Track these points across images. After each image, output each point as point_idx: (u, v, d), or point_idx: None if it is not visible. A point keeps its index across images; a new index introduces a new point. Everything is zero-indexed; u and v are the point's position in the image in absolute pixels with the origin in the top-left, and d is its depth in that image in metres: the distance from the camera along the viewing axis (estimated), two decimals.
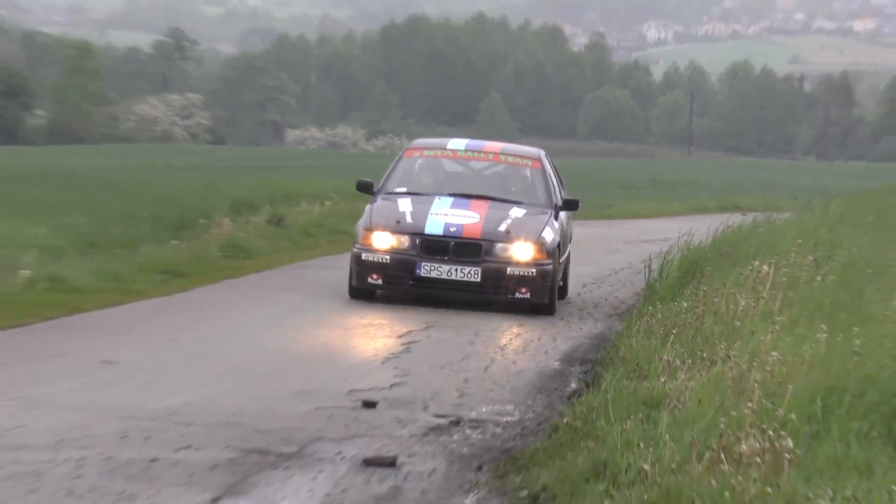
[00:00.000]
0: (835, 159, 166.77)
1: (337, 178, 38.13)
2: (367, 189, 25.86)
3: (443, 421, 17.66)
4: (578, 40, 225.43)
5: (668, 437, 13.42)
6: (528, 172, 26.85)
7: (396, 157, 27.06)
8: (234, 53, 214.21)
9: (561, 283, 26.09)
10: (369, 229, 24.26)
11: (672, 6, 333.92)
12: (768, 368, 14.69)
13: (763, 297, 19.34)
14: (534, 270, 24.15)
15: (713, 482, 12.07)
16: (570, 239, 28.14)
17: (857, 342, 15.03)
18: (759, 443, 12.55)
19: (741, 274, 22.09)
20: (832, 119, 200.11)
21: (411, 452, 16.04)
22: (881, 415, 13.11)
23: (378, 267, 23.80)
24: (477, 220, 24.43)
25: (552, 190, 26.29)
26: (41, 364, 20.43)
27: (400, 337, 22.32)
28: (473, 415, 18.18)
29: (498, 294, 24.17)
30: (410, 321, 23.28)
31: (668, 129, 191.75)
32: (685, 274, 25.61)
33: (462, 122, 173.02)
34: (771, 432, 12.70)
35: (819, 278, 20.35)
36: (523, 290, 24.04)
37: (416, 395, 18.89)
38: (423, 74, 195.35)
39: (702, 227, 32.14)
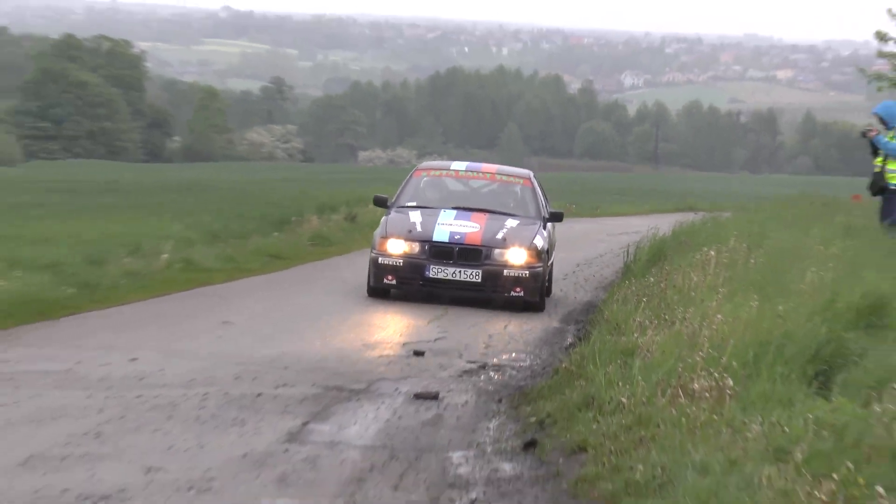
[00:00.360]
0: (763, 173, 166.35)
1: (395, 187, 37.92)
2: (382, 203, 24.87)
3: (473, 366, 17.76)
4: (574, 86, 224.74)
5: (639, 377, 13.41)
6: (518, 189, 25.35)
7: (407, 177, 26.09)
8: (320, 95, 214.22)
9: (546, 284, 24.65)
10: (385, 237, 22.97)
11: (642, 61, 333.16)
12: (714, 327, 14.66)
13: (710, 275, 19.28)
14: (527, 272, 22.73)
15: (673, 411, 12.08)
16: (554, 245, 26.08)
17: (780, 308, 14.99)
18: (708, 382, 12.56)
19: (694, 257, 22.05)
20: (761, 144, 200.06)
21: (449, 389, 16.06)
22: (798, 362, 13.07)
23: (393, 269, 22.77)
24: (477, 230, 23.14)
25: (540, 204, 25.09)
26: (177, 324, 20.48)
27: (440, 308, 22.32)
28: (495, 361, 18.24)
29: (496, 293, 22.78)
30: (444, 300, 23.12)
31: (640, 151, 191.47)
32: (652, 257, 25.46)
33: (487, 146, 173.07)
34: (716, 374, 12.69)
35: (752, 261, 20.26)
36: (518, 289, 22.65)
37: (452, 347, 18.91)
38: (459, 111, 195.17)
39: (665, 223, 32.03)
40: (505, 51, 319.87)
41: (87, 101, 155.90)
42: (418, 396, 15.47)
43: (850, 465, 9.82)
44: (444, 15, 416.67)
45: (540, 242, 23.24)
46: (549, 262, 24.62)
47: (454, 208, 24.13)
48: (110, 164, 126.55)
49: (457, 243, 22.89)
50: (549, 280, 24.95)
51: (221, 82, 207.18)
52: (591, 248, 34.33)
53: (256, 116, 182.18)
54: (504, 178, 25.93)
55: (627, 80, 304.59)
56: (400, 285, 23.03)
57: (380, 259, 22.85)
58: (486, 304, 22.73)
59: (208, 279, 25.89)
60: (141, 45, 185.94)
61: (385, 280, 22.82)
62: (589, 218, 50.53)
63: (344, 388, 15.65)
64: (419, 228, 23.10)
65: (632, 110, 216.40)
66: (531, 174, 26.41)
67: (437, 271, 22.78)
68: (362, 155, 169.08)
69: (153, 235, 29.71)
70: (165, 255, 27.03)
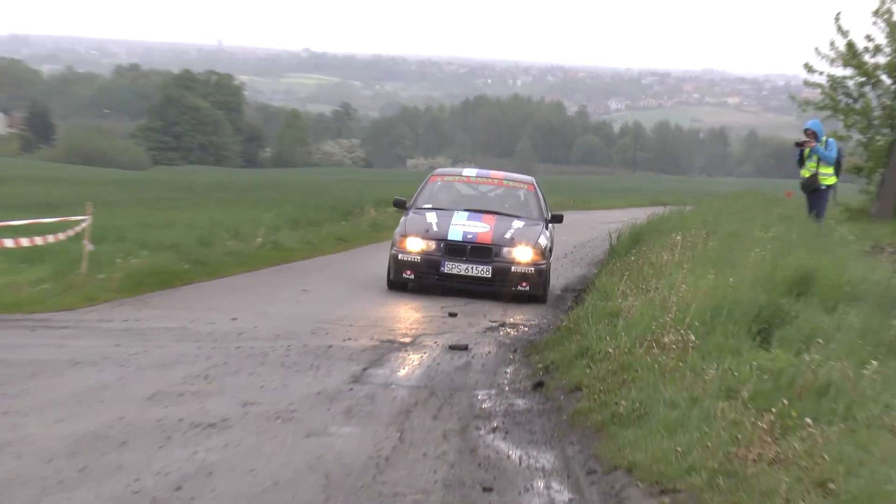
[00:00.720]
0: (716, 176, 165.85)
1: None
2: (401, 205, 22.53)
3: (494, 324, 17.69)
4: (571, 109, 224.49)
5: (622, 333, 13.34)
6: (522, 194, 22.95)
7: (424, 182, 23.64)
8: (377, 117, 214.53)
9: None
10: (404, 236, 20.66)
11: (624, 90, 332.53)
12: (680, 294, 14.60)
13: (676, 254, 19.20)
14: (532, 269, 20.37)
15: (648, 359, 12.01)
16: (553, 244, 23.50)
17: (731, 280, 14.91)
18: (675, 337, 12.50)
19: (664, 240, 21.98)
20: (715, 153, 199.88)
21: (476, 342, 16.00)
22: (744, 322, 13.03)
23: (411, 265, 20.52)
24: (488, 230, 20.84)
25: (542, 207, 22.68)
26: (267, 291, 20.44)
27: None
28: (511, 321, 18.16)
29: (504, 287, 20.30)
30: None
31: (622, 159, 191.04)
32: (632, 241, 25.33)
33: (505, 156, 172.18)
34: (682, 331, 12.63)
35: (709, 243, 20.19)
36: (524, 284, 20.34)
37: (479, 310, 18.84)
38: (483, 128, 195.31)
39: (641, 215, 31.89)
40: (518, 82, 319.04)
41: (199, 120, 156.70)
42: (452, 348, 15.45)
43: (785, 401, 9.81)
44: (473, 55, 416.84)
45: (544, 242, 21.07)
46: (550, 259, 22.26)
47: (466, 210, 21.93)
48: (216, 169, 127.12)
49: (469, 242, 20.67)
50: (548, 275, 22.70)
51: (302, 106, 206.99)
52: (584, 233, 34.24)
53: (328, 133, 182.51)
54: (510, 183, 23.58)
55: (613, 104, 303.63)
56: (418, 279, 20.67)
57: (399, 255, 20.70)
58: None
59: (291, 257, 25.92)
60: (241, 77, 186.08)
61: (404, 274, 20.68)
62: (583, 210, 50.38)
63: (395, 341, 15.64)
64: (435, 228, 20.89)
65: (616, 128, 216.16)
66: (534, 180, 24.03)
67: (451, 267, 20.52)
68: (409, 162, 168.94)
69: (249, 223, 29.97)
70: (259, 239, 27.25)
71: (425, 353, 14.95)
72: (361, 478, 8.89)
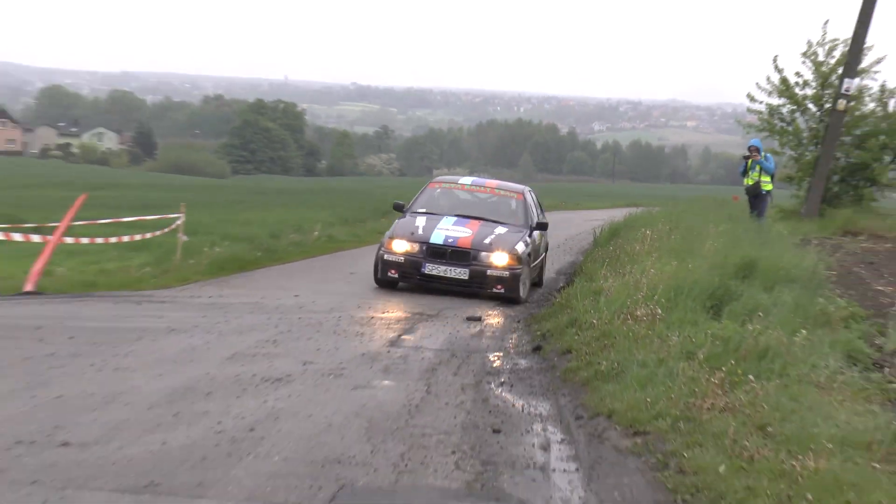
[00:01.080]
0: (678, 183, 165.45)
1: None
2: (399, 209, 20.33)
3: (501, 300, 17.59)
4: (564, 130, 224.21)
5: (604, 308, 13.30)
6: (513, 202, 20.37)
7: (423, 187, 21.60)
8: (410, 136, 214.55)
9: (537, 280, 20.47)
10: (391, 238, 18.65)
11: (605, 115, 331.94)
12: (649, 277, 14.55)
13: (646, 245, 19.13)
14: (507, 273, 18.05)
15: (624, 328, 11.96)
16: (546, 248, 21.61)
17: (690, 265, 14.89)
18: (645, 310, 12.44)
19: (637, 234, 21.89)
20: (677, 166, 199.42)
21: (488, 314, 15.97)
22: (700, 299, 12.99)
23: (396, 265, 18.42)
24: (469, 235, 18.67)
25: (530, 214, 20.15)
26: (323, 274, 20.45)
27: None
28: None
29: (481, 289, 18.18)
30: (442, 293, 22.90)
31: (604, 170, 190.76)
32: (611, 234, 25.26)
33: (510, 167, 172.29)
34: (651, 306, 12.58)
35: (672, 237, 20.12)
36: (499, 286, 18.06)
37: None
38: (494, 145, 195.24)
39: (619, 214, 31.90)
40: (521, 109, 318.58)
41: (269, 139, 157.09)
42: (468, 319, 15.40)
43: (732, 361, 9.81)
44: (486, 87, 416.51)
45: (521, 248, 18.58)
46: (535, 263, 19.82)
47: (456, 215, 19.66)
48: (283, 177, 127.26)
49: (450, 245, 18.38)
50: (541, 276, 20.86)
51: (350, 128, 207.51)
52: (573, 228, 34.19)
53: (371, 149, 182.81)
54: (502, 192, 20.91)
55: (596, 126, 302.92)
56: (402, 278, 18.60)
57: (385, 256, 18.57)
58: None
59: (342, 247, 25.92)
60: (302, 105, 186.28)
61: (389, 273, 18.57)
62: (573, 210, 50.31)
63: (423, 313, 15.58)
64: (420, 231, 18.74)
65: (599, 145, 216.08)
66: (525, 189, 21.52)
67: (431, 268, 18.31)
68: (435, 172, 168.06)
69: (309, 220, 30.10)
70: (316, 232, 27.31)
71: (447, 323, 14.91)
72: (397, 421, 8.88)
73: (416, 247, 18.34)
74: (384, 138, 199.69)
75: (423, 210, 19.88)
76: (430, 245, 18.32)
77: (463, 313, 15.87)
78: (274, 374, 10.41)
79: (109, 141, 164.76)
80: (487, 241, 18.48)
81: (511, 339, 14.02)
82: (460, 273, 18.15)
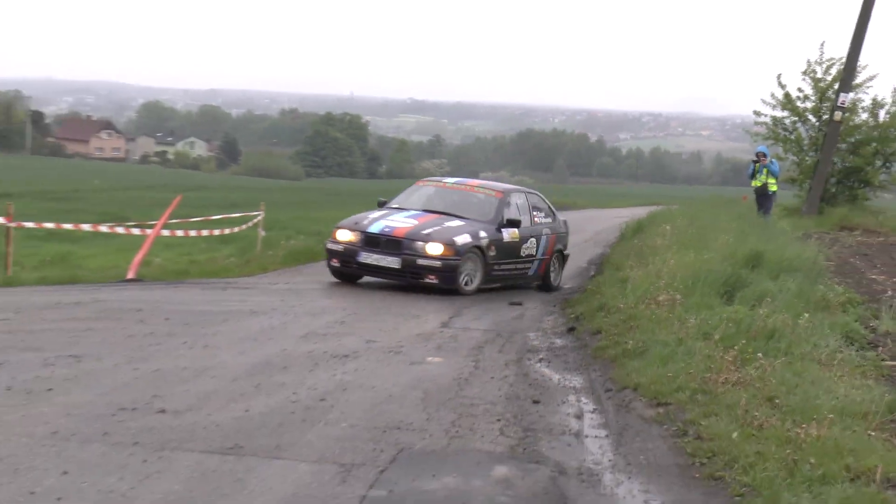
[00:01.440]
0: (694, 185, 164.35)
1: None
2: (382, 205, 18.02)
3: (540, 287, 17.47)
4: (593, 138, 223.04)
5: (630, 293, 13.20)
6: (488, 199, 17.53)
7: (412, 185, 19.40)
8: (459, 144, 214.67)
9: (539, 281, 18.18)
10: (337, 227, 16.74)
11: (629, 125, 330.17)
12: (669, 267, 14.43)
13: (667, 239, 18.96)
14: (439, 263, 15.72)
15: (647, 312, 11.87)
16: (551, 250, 18.29)
17: (705, 257, 14.76)
18: (666, 296, 12.32)
19: (658, 229, 21.72)
20: (692, 169, 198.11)
21: (528, 300, 15.89)
22: (715, 286, 12.89)
23: (336, 253, 16.36)
24: (410, 225, 16.35)
25: (501, 212, 17.24)
26: None
27: None
28: (552, 285, 17.97)
29: (413, 279, 15.91)
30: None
31: (628, 174, 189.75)
32: (635, 230, 25.10)
33: (547, 172, 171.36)
34: (671, 292, 12.46)
35: (689, 232, 19.96)
36: (431, 277, 15.79)
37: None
38: (532, 152, 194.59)
39: (642, 212, 31.76)
40: (556, 120, 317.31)
41: (337, 146, 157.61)
42: (511, 303, 15.35)
43: (744, 341, 9.73)
44: (525, 101, 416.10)
45: (463, 240, 16.10)
46: (522, 260, 17.41)
47: (421, 209, 17.45)
48: (349, 180, 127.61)
49: (385, 235, 16.14)
50: (547, 276, 18.27)
51: (408, 137, 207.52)
52: (602, 224, 33.99)
53: (425, 155, 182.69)
54: (481, 190, 18.07)
55: (621, 135, 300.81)
56: (342, 266, 16.49)
57: (328, 244, 16.70)
58: None
59: None
60: (366, 117, 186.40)
61: (332, 262, 16.64)
62: (601, 209, 50.05)
63: (471, 298, 15.55)
64: (365, 222, 16.65)
65: (624, 152, 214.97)
66: (508, 188, 18.74)
67: (366, 257, 16.11)
68: (481, 175, 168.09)
69: None
70: None
71: (492, 307, 14.87)
72: (448, 393, 8.85)
73: (355, 236, 16.35)
74: (436, 146, 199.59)
75: (397, 206, 17.85)
76: (367, 234, 16.27)
77: (506, 299, 15.80)
78: (342, 350, 10.40)
79: (200, 149, 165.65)
80: (427, 231, 16.23)
81: (548, 321, 13.95)
82: (392, 262, 15.96)
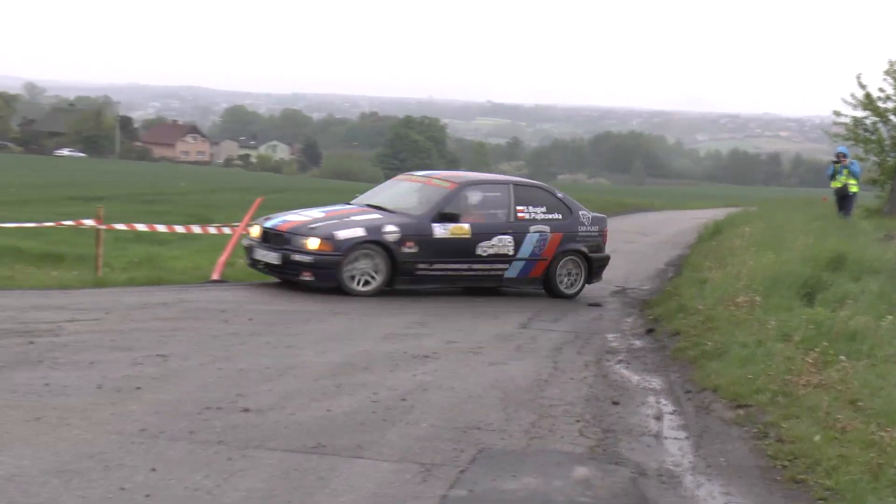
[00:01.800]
0: (772, 185, 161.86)
1: (572, 195, 37.05)
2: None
3: (618, 289, 17.33)
4: (670, 140, 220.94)
5: (708, 295, 13.09)
6: (436, 191, 15.36)
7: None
8: (536, 146, 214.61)
9: (539, 283, 15.82)
10: (251, 224, 15.53)
11: (707, 127, 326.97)
12: (748, 268, 14.29)
13: (745, 240, 18.76)
14: (312, 258, 14.02)
15: (727, 313, 11.78)
16: (549, 246, 15.62)
17: (785, 257, 14.60)
18: (745, 298, 12.21)
19: (737, 231, 21.51)
20: (771, 170, 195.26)
21: (607, 301, 15.77)
22: (794, 287, 12.75)
23: (246, 248, 15.11)
24: (305, 220, 14.76)
25: (443, 205, 14.94)
26: None
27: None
28: (631, 286, 17.81)
29: (291, 275, 14.32)
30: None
31: (706, 175, 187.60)
32: (714, 231, 24.88)
33: (623, 173, 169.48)
34: (750, 294, 12.33)
35: (769, 232, 19.74)
36: (307, 273, 14.12)
37: (607, 278, 18.43)
38: (609, 154, 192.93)
39: (720, 213, 31.47)
40: (635, 122, 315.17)
41: (416, 149, 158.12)
42: (590, 304, 15.25)
43: (825, 343, 9.60)
44: (602, 103, 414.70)
45: (347, 235, 14.28)
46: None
47: (362, 204, 15.89)
48: None
49: (272, 229, 14.73)
50: (549, 275, 15.78)
51: (486, 139, 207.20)
52: (680, 226, 33.64)
53: (503, 157, 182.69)
54: (437, 182, 15.74)
55: (699, 137, 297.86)
56: (249, 264, 15.17)
57: (243, 240, 15.51)
58: (630, 253, 21.94)
59: None
60: (444, 120, 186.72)
61: (246, 258, 15.28)
62: (679, 210, 49.51)
63: (549, 299, 15.48)
64: (273, 217, 15.22)
65: (702, 153, 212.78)
66: (462, 179, 16.03)
67: (257, 252, 14.71)
68: (559, 177, 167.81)
69: None
70: None
71: (571, 308, 14.79)
72: (528, 393, 8.82)
73: (258, 232, 15.02)
74: (514, 148, 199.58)
75: (352, 201, 16.35)
76: (263, 229, 14.91)
77: (584, 299, 15.71)
78: (421, 351, 10.42)
79: (282, 152, 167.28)
80: (314, 225, 14.61)
81: (627, 322, 13.85)
82: (273, 258, 14.47)
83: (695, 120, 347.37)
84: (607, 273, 17.08)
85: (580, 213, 16.23)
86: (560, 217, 15.90)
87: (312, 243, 14.19)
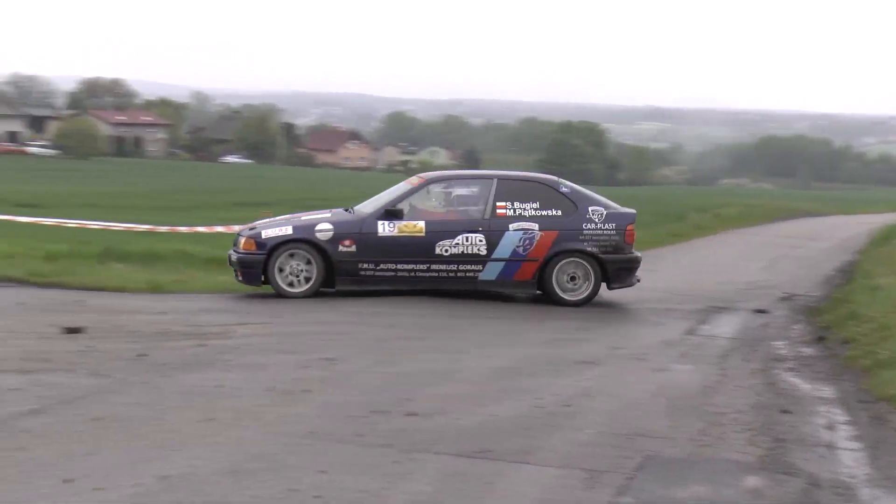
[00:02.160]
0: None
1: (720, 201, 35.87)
2: None
3: (785, 295, 16.89)
4: (837, 143, 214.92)
5: (882, 302, 12.67)
6: (400, 188, 14.57)
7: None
8: (700, 151, 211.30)
9: (535, 286, 14.24)
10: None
11: (875, 129, 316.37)
12: None
13: None
14: (239, 258, 13.55)
15: None
16: (538, 246, 13.98)
17: None
18: None
19: None
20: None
21: (774, 308, 15.40)
22: None
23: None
24: (262, 221, 14.50)
25: (395, 202, 13.95)
26: None
27: (768, 258, 21.43)
28: (799, 293, 17.35)
29: (235, 275, 13.89)
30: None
31: (876, 178, 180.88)
32: (886, 236, 24.18)
33: (788, 177, 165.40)
34: None
35: None
36: (238, 273, 13.70)
37: (774, 284, 18.06)
38: (773, 158, 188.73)
39: (893, 218, 30.56)
40: (798, 125, 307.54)
41: (576, 154, 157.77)
42: (756, 311, 14.90)
43: None
44: (758, 107, 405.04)
45: (273, 234, 13.57)
46: (513, 258, 13.95)
47: (354, 206, 14.81)
48: (591, 186, 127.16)
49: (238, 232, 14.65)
50: (540, 277, 14.14)
51: (647, 144, 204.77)
52: (848, 231, 32.74)
53: (665, 161, 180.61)
54: (414, 180, 14.67)
55: (866, 139, 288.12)
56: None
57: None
58: (798, 259, 21.39)
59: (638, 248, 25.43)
60: (605, 125, 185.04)
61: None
62: (848, 215, 48.25)
63: (714, 306, 15.15)
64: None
65: (872, 156, 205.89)
66: (430, 176, 14.91)
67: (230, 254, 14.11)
68: (723, 181, 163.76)
69: None
70: None
71: (737, 314, 14.49)
72: (694, 401, 8.68)
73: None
74: (677, 153, 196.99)
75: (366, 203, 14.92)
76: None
77: (750, 306, 15.39)
78: (584, 357, 10.35)
79: (442, 157, 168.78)
80: (254, 225, 14.25)
81: (795, 329, 13.51)
82: (230, 258, 14.03)
83: (862, 122, 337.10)
84: (775, 278, 16.64)
85: (590, 209, 14.43)
86: (558, 214, 14.23)
87: (241, 243, 13.77)
